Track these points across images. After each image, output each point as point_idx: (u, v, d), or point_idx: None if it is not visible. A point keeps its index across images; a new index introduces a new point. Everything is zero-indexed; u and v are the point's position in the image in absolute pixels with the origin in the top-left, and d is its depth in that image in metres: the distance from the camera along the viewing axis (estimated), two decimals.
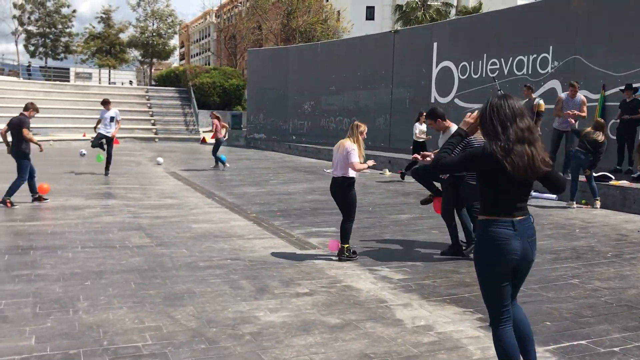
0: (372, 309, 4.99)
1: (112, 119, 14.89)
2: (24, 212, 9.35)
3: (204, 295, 5.24)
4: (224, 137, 18.27)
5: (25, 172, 10.02)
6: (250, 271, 6.14)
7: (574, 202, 10.76)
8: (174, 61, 65.88)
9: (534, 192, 11.99)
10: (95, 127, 15.31)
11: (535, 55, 16.27)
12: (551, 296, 5.47)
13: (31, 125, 10.53)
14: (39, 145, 10.41)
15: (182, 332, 4.29)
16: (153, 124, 31.85)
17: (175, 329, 4.33)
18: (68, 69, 55.10)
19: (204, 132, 31.01)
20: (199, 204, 10.81)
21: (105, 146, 14.97)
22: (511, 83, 16.72)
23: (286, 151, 25.05)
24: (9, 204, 9.67)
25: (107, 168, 14.92)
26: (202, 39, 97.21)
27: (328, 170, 17.43)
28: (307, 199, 11.78)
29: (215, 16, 74.68)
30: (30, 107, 10.54)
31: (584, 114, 11.80)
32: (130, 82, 56.12)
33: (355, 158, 6.57)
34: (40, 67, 52.03)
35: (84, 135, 27.76)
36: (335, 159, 6.83)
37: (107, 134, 14.89)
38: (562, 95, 12.21)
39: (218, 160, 17.82)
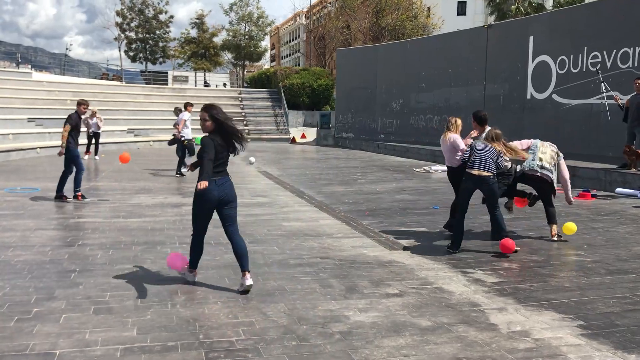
0: (465, 312, 4.85)
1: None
2: (127, 210, 9.87)
3: (294, 292, 5.31)
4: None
5: (77, 164, 10.46)
6: (339, 270, 6.16)
7: None
8: (265, 63, 67.33)
9: (618, 188, 11.28)
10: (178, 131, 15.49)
11: None
12: None
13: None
14: (61, 147, 10.40)
15: (274, 328, 4.36)
16: (245, 125, 32.75)
17: (267, 325, 4.41)
18: (166, 73, 57.88)
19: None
20: (289, 203, 10.98)
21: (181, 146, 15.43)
22: (615, 77, 15.74)
23: (374, 150, 24.96)
24: (80, 197, 10.52)
25: (180, 166, 15.15)
26: (292, 40, 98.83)
27: (435, 168, 17.26)
28: (395, 199, 11.67)
29: (305, 17, 75.74)
30: (82, 103, 10.80)
31: None
32: (224, 85, 58.03)
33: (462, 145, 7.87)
34: (141, 71, 54.88)
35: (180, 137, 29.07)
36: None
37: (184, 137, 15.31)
38: None
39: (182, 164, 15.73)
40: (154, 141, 26.29)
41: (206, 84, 50.34)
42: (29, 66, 53.89)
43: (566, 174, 8.21)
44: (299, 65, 69.74)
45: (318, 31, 52.97)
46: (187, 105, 15.83)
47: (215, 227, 8.33)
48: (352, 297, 5.20)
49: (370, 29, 40.40)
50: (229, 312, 4.69)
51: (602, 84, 15.50)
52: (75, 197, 10.55)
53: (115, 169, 16.48)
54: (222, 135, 5.27)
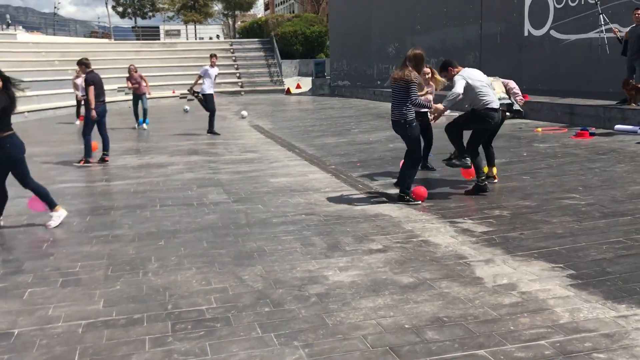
0: (450, 266, 4.64)
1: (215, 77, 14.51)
2: (111, 172, 9.64)
3: (274, 253, 5.10)
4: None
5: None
6: (323, 227, 5.94)
7: None
8: (258, 12, 65.75)
9: (616, 125, 10.95)
10: (194, 85, 14.84)
11: None
12: None
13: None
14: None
15: (248, 294, 4.16)
16: (238, 77, 32.14)
17: (241, 291, 4.22)
18: (158, 28, 56.66)
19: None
20: (279, 157, 10.71)
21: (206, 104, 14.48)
22: (614, 8, 15.13)
23: (371, 97, 24.49)
24: (82, 162, 10.29)
25: (212, 126, 14.47)
26: None
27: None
28: (388, 148, 11.38)
29: None
30: (82, 63, 10.67)
31: None
32: (217, 37, 56.90)
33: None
34: (132, 27, 53.80)
35: (174, 92, 28.57)
36: None
37: (206, 92, 14.41)
38: None
39: (139, 117, 16.39)
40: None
41: (200, 38, 49.32)
42: (20, 27, 52.83)
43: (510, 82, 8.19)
44: (293, 12, 68.10)
45: None
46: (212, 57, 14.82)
47: (199, 187, 8.12)
48: (333, 256, 4.99)
49: None
50: (203, 279, 4.49)
51: (601, 15, 14.90)
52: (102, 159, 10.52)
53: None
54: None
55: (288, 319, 3.74)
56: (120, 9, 48.73)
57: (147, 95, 16.22)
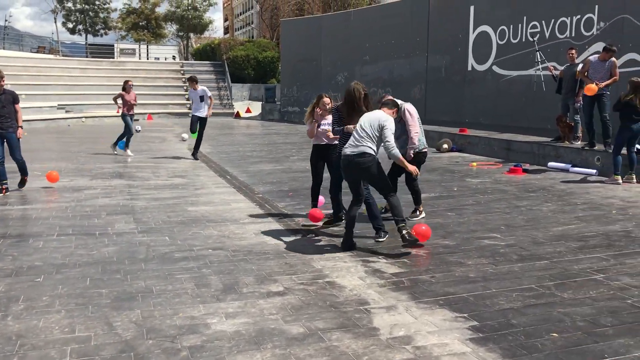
0: (348, 314, 4.28)
1: (202, 98, 13.68)
2: (21, 195, 8.99)
3: (160, 295, 4.64)
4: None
5: None
6: (227, 264, 5.52)
7: (620, 178, 9.66)
8: (212, 34, 65.38)
9: (572, 167, 10.94)
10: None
11: (579, 16, 14.88)
12: (567, 297, 4.62)
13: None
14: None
15: (112, 345, 3.69)
16: (187, 99, 31.54)
17: (105, 341, 3.74)
18: (112, 46, 55.63)
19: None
20: (207, 184, 10.25)
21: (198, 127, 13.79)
22: (553, 47, 15.41)
23: None
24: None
25: (196, 150, 13.84)
26: (245, 11, 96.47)
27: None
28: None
29: None
30: None
31: (615, 77, 10.57)
32: (174, 57, 56.21)
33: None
34: (89, 44, 52.53)
35: (118, 112, 27.72)
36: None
37: (202, 115, 13.76)
38: (591, 58, 10.97)
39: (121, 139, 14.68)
40: (87, 117, 24.99)
41: (156, 58, 48.56)
42: None
43: None
44: (252, 37, 68.05)
45: (270, 2, 51.47)
46: (193, 81, 14.00)
47: (108, 215, 7.57)
48: (225, 299, 4.56)
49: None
50: (68, 325, 3.99)
51: (537, 52, 15.14)
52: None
53: (31, 147, 15.35)
54: None
55: None
56: (70, 25, 47.57)
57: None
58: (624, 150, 9.67)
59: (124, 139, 14.52)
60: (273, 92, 29.60)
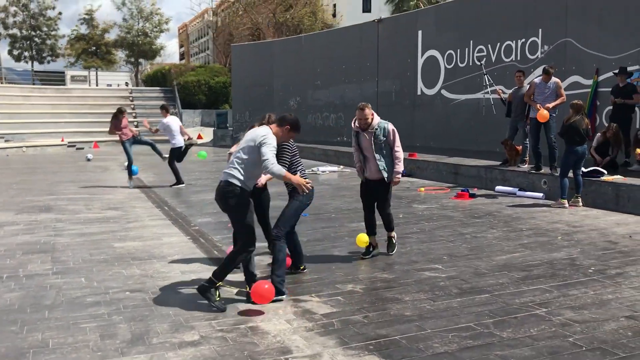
0: None
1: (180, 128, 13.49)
2: None
3: (56, 350, 4.11)
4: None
5: None
6: (143, 309, 5.01)
7: (566, 201, 9.52)
8: (172, 61, 64.74)
9: (519, 190, 10.80)
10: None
11: (523, 40, 15.02)
12: (506, 336, 4.28)
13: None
14: None
15: None
16: (136, 126, 30.77)
17: None
18: (63, 73, 54.25)
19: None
20: (142, 216, 9.68)
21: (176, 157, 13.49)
22: (499, 70, 15.49)
23: None
24: None
25: (178, 179, 13.44)
26: (201, 38, 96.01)
27: (322, 169, 16.27)
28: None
29: (213, 14, 73.39)
30: None
31: (563, 98, 10.53)
32: (127, 84, 55.18)
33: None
34: (36, 71, 51.12)
35: (62, 140, 26.81)
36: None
37: (180, 145, 13.48)
38: (536, 80, 10.94)
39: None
40: (28, 146, 23.99)
41: (108, 85, 47.50)
42: None
43: None
44: (208, 63, 67.56)
45: (226, 29, 51.18)
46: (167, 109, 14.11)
47: (24, 254, 6.91)
48: (129, 353, 4.06)
49: (272, 25, 39.29)
50: None
51: (485, 76, 15.19)
52: None
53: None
54: None
55: None
56: (16, 52, 46.19)
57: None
58: (570, 174, 9.56)
59: (131, 165, 13.76)
60: (225, 117, 29.12)
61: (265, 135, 5.02)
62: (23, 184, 13.98)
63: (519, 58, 15.22)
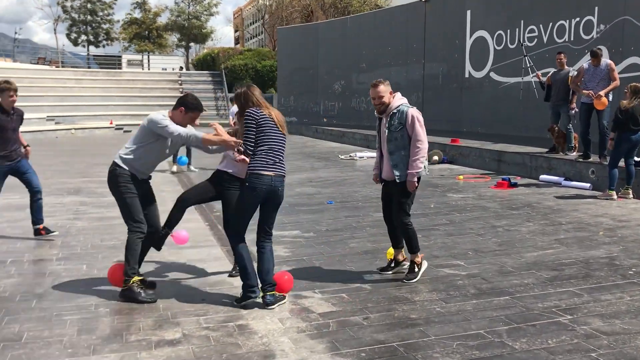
0: None
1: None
2: None
3: (28, 344, 3.88)
4: None
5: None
6: (131, 302, 4.75)
7: (614, 193, 8.76)
8: (215, 44, 65.11)
9: (564, 180, 10.06)
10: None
11: (578, 19, 14.06)
12: (518, 347, 3.78)
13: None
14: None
15: None
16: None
17: None
18: (120, 57, 55.49)
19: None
20: (166, 201, 9.33)
21: None
22: (551, 52, 14.54)
23: (313, 135, 23.58)
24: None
25: None
26: (255, 22, 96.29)
27: (360, 155, 15.72)
28: (294, 192, 10.28)
29: None
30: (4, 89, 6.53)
31: (616, 82, 9.64)
32: (181, 68, 55.97)
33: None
34: (95, 55, 52.49)
35: (111, 123, 27.26)
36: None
37: None
38: (585, 64, 10.07)
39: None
40: (76, 129, 24.46)
41: (163, 68, 48.36)
42: None
43: None
44: (263, 47, 67.61)
45: (277, 12, 50.96)
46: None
47: (33, 239, 6.54)
48: (102, 350, 3.79)
49: (321, 7, 38.72)
50: None
51: (526, 57, 14.30)
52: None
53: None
54: None
55: None
56: (73, 36, 47.37)
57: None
58: (621, 163, 8.79)
59: (184, 155, 13.43)
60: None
61: (163, 118, 4.74)
62: (61, 166, 14.14)
63: (572, 38, 14.29)
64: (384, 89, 5.19)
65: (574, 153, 10.85)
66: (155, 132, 4.74)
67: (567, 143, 10.87)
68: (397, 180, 5.16)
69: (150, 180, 5.26)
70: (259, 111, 4.62)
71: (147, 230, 4.95)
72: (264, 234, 4.75)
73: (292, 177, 12.12)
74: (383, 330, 4.12)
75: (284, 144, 4.75)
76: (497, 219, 7.74)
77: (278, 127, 4.68)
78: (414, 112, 5.12)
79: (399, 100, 5.22)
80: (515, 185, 10.17)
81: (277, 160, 4.62)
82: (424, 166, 5.18)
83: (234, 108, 13.39)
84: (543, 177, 10.57)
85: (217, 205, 9.02)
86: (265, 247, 4.72)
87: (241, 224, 4.71)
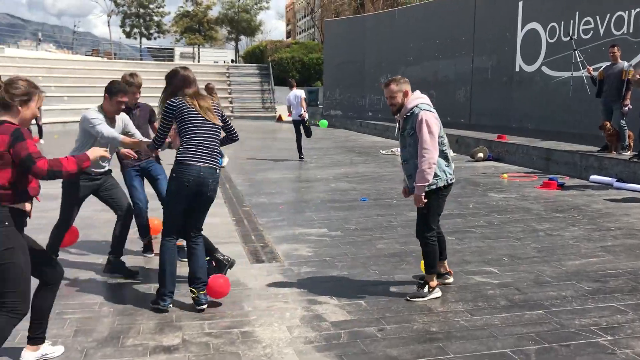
0: None
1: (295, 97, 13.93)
2: None
3: (22, 344, 3.70)
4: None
5: None
6: (139, 301, 4.55)
7: None
8: (264, 37, 65.34)
9: (617, 181, 9.39)
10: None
11: (638, 10, 13.15)
12: None
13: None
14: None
15: None
16: (230, 102, 31.10)
17: None
18: (172, 49, 56.43)
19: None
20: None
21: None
22: (607, 45, 13.71)
23: (357, 129, 23.21)
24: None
25: (300, 152, 13.95)
26: (307, 15, 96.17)
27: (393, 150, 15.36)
28: (329, 188, 9.99)
29: None
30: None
31: None
32: (232, 61, 56.47)
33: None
34: (150, 48, 53.54)
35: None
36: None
37: (299, 118, 14.00)
38: None
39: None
40: None
41: (215, 62, 48.77)
42: (51, 44, 53.23)
43: None
44: (314, 40, 67.50)
45: (328, 4, 50.65)
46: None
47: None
48: (93, 356, 3.58)
49: (369, 0, 38.15)
50: None
51: (575, 51, 13.49)
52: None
53: (49, 150, 15.00)
54: None
55: None
56: (127, 28, 48.36)
57: None
58: None
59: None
60: (316, 95, 28.68)
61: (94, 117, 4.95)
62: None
63: (631, 30, 13.37)
64: (396, 88, 4.62)
65: (628, 152, 10.14)
66: (88, 130, 4.90)
67: (621, 142, 10.16)
68: (410, 191, 4.67)
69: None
70: (178, 101, 4.34)
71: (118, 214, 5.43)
72: (194, 232, 4.59)
73: (329, 172, 11.82)
74: (398, 344, 3.76)
75: (215, 134, 4.41)
76: (539, 222, 7.21)
77: (204, 117, 4.33)
78: (424, 114, 4.43)
79: (414, 101, 4.57)
80: (562, 185, 9.55)
81: (208, 151, 4.35)
82: (443, 177, 4.53)
83: (292, 92, 13.76)
84: (594, 177, 9.91)
85: (253, 198, 8.87)
86: (197, 246, 4.57)
87: (171, 217, 4.45)
